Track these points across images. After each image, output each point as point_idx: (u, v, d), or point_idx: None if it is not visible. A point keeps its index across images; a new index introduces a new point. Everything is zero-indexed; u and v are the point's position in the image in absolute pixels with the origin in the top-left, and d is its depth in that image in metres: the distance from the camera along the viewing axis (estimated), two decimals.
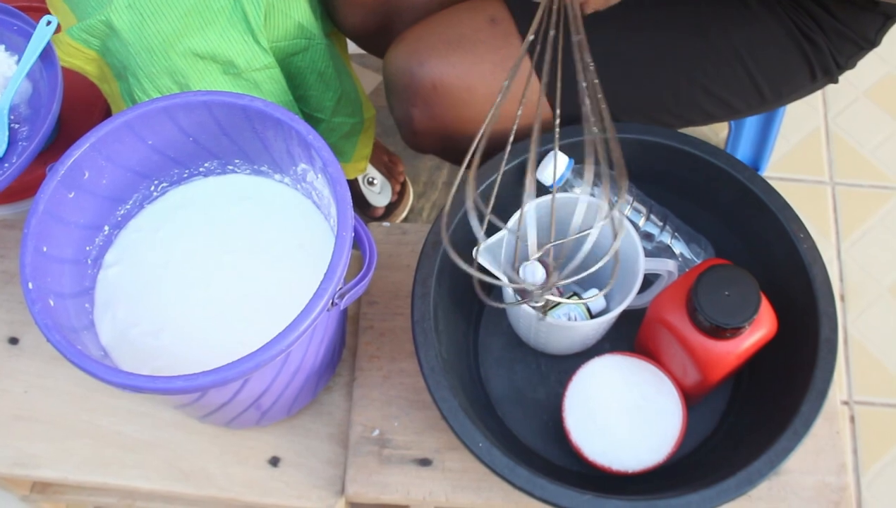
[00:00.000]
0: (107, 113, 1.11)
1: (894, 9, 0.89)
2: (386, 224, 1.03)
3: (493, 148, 0.89)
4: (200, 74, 0.92)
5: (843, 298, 1.30)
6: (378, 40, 1.02)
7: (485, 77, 0.87)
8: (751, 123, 1.35)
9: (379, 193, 1.38)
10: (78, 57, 0.93)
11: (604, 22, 0.86)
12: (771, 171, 1.40)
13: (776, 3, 0.90)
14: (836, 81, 0.96)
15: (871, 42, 0.92)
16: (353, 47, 1.50)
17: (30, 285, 0.72)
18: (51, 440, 0.91)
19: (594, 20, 0.86)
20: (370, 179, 1.37)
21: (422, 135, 0.93)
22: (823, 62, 0.92)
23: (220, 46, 0.91)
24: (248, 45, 0.92)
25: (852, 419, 1.23)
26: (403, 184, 1.42)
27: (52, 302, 0.73)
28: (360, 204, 1.38)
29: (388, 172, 1.39)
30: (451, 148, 0.95)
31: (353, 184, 1.36)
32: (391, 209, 1.41)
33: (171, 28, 0.88)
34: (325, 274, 0.70)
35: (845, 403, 1.24)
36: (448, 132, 0.91)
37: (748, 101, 0.95)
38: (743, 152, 1.38)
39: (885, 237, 1.36)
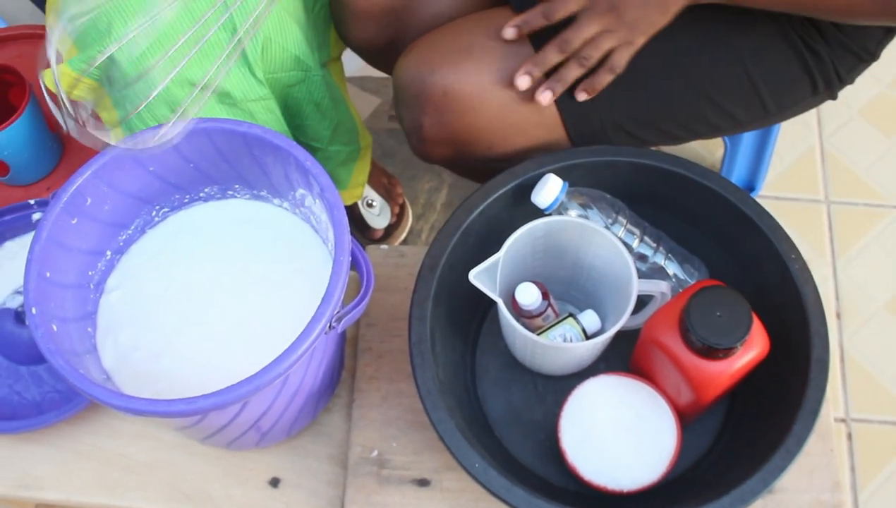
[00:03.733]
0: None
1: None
2: (384, 246, 1.04)
3: (505, 162, 0.91)
4: (195, 102, 0.94)
5: (839, 316, 1.31)
6: (386, 55, 1.03)
7: (495, 85, 0.88)
8: (746, 143, 1.36)
9: (378, 215, 1.39)
10: (79, 87, 0.94)
11: None
12: (767, 190, 1.41)
13: (780, 13, 0.92)
14: (835, 97, 0.97)
15: (872, 54, 0.93)
16: (352, 69, 1.52)
17: (33, 310, 0.73)
18: (55, 462, 0.93)
19: None
20: (369, 201, 1.38)
21: (431, 144, 0.93)
22: (825, 73, 0.93)
23: (216, 77, 0.93)
24: (244, 76, 0.94)
25: (849, 436, 1.24)
26: (402, 206, 1.43)
27: (55, 327, 0.75)
28: (360, 226, 1.40)
29: (387, 194, 1.41)
30: (459, 156, 0.96)
31: (353, 207, 1.38)
32: (390, 231, 1.42)
33: (169, 59, 0.90)
34: (323, 298, 0.71)
35: (842, 420, 1.25)
36: (457, 140, 0.92)
37: (752, 113, 0.96)
38: (739, 171, 1.40)
39: (881, 255, 1.37)
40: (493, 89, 0.89)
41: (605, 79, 0.85)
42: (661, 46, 0.87)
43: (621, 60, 0.84)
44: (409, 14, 0.98)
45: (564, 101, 0.89)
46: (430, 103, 0.90)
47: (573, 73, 0.85)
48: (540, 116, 0.91)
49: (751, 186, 1.41)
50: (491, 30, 0.90)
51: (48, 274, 0.76)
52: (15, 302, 0.97)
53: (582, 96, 0.87)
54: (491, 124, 0.90)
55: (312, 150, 1.10)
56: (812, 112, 1.39)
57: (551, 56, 0.84)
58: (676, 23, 0.85)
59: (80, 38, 0.93)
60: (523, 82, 0.85)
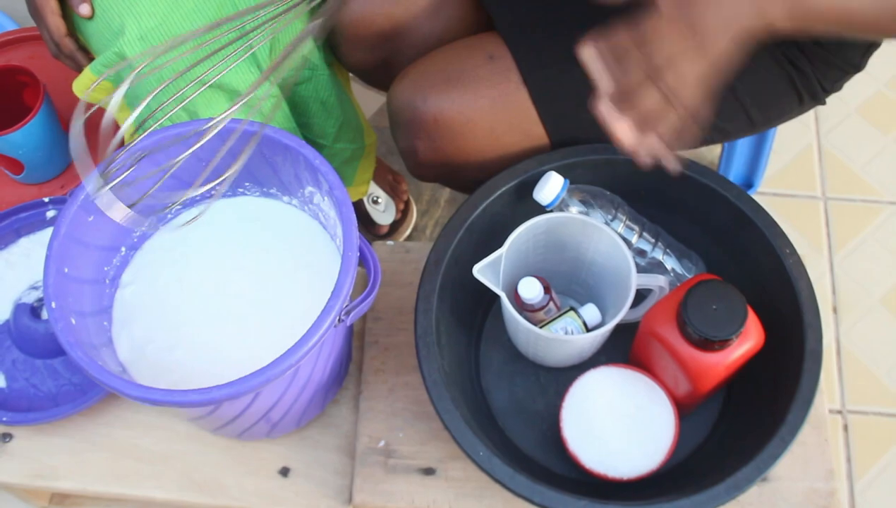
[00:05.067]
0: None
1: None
2: (390, 242, 1.06)
3: (493, 174, 0.93)
4: (208, 103, 0.96)
5: (835, 310, 1.33)
6: (380, 75, 1.05)
7: (484, 111, 0.90)
8: (744, 141, 1.38)
9: (383, 211, 1.41)
10: (98, 91, 0.97)
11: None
12: (765, 187, 1.43)
13: None
14: (823, 103, 0.99)
15: (856, 66, 0.95)
16: None
17: (53, 304, 0.76)
18: (70, 452, 0.95)
19: (596, 30, 0.88)
20: (375, 198, 1.40)
21: (425, 166, 0.96)
22: (810, 87, 0.95)
23: (227, 77, 0.95)
24: (253, 76, 0.96)
25: (846, 427, 1.26)
26: (407, 203, 1.45)
27: (73, 321, 0.77)
28: (366, 222, 1.42)
29: (393, 191, 1.43)
30: (452, 177, 0.98)
31: (359, 204, 1.40)
32: (395, 227, 1.44)
33: (180, 59, 0.92)
34: (333, 292, 0.74)
35: (839, 412, 1.27)
36: (450, 163, 0.94)
37: (738, 126, 0.97)
38: (736, 169, 1.42)
39: (877, 250, 1.39)
40: (482, 116, 0.90)
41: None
42: None
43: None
44: (401, 38, 1.00)
45: (553, 125, 0.91)
46: (423, 130, 0.92)
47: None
48: (529, 140, 0.93)
49: (749, 183, 1.43)
50: (478, 57, 0.92)
51: (66, 270, 0.79)
52: (31, 298, 0.99)
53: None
54: (482, 149, 0.92)
55: (318, 148, 1.12)
56: (810, 111, 1.41)
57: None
58: None
59: (95, 41, 0.95)
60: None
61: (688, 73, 0.68)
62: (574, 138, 0.93)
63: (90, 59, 0.97)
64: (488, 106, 0.90)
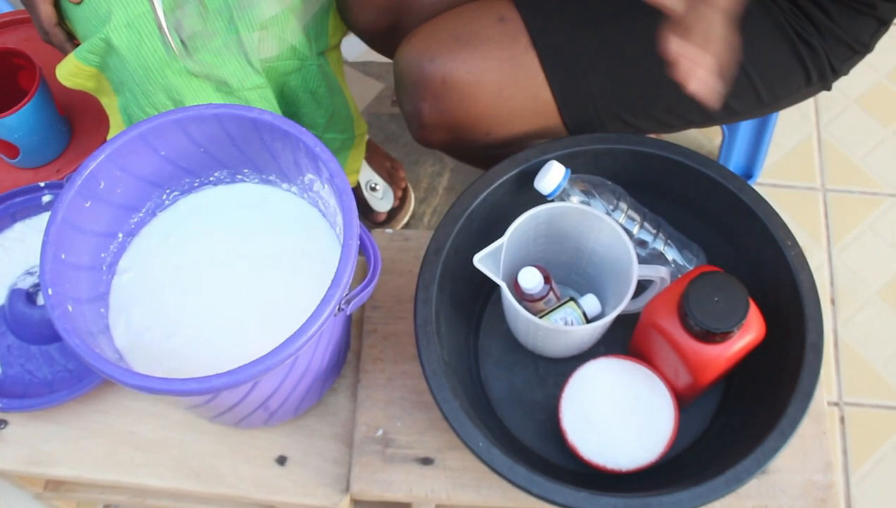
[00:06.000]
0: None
1: (890, 13, 0.91)
2: (389, 230, 1.06)
3: (503, 148, 0.92)
4: (194, 92, 0.95)
5: (833, 302, 1.33)
6: (388, 39, 1.04)
7: (493, 73, 0.89)
8: (744, 131, 1.38)
9: (381, 199, 1.41)
10: (80, 75, 0.96)
11: (609, 22, 0.88)
12: (764, 178, 1.43)
13: (774, 6, 0.93)
14: (829, 88, 0.98)
15: (866, 46, 0.94)
16: (354, 54, 1.53)
17: (49, 291, 0.75)
18: (65, 439, 0.94)
19: (598, 20, 0.87)
20: (373, 185, 1.40)
21: (430, 130, 0.95)
22: (819, 65, 0.94)
23: (214, 66, 0.94)
24: (241, 65, 0.95)
25: (842, 419, 1.26)
26: (405, 190, 1.45)
27: (70, 308, 0.76)
28: (363, 209, 1.41)
29: (391, 178, 1.42)
30: (458, 142, 0.97)
31: (357, 190, 1.39)
32: (393, 214, 1.44)
33: (167, 47, 0.91)
34: (333, 281, 0.73)
35: (835, 404, 1.27)
36: (456, 127, 0.93)
37: (746, 103, 0.97)
38: (736, 159, 1.42)
39: (875, 242, 1.39)
40: (491, 77, 0.90)
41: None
42: (656, 35, 0.88)
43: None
44: (410, 2, 0.99)
45: (560, 89, 0.91)
46: (430, 90, 0.91)
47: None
48: (536, 104, 0.92)
49: (748, 173, 1.42)
50: (488, 18, 0.91)
51: (63, 256, 0.78)
52: (26, 283, 0.98)
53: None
54: (488, 111, 0.92)
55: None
56: (809, 101, 1.41)
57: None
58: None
59: (81, 27, 0.94)
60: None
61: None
62: (580, 103, 0.92)
63: (76, 47, 0.96)
64: (497, 67, 0.89)
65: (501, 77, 0.90)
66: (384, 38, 1.07)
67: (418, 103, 0.93)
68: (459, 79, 0.90)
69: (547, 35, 0.89)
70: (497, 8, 0.91)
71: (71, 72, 0.94)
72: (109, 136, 1.03)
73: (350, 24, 1.07)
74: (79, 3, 0.91)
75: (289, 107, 1.08)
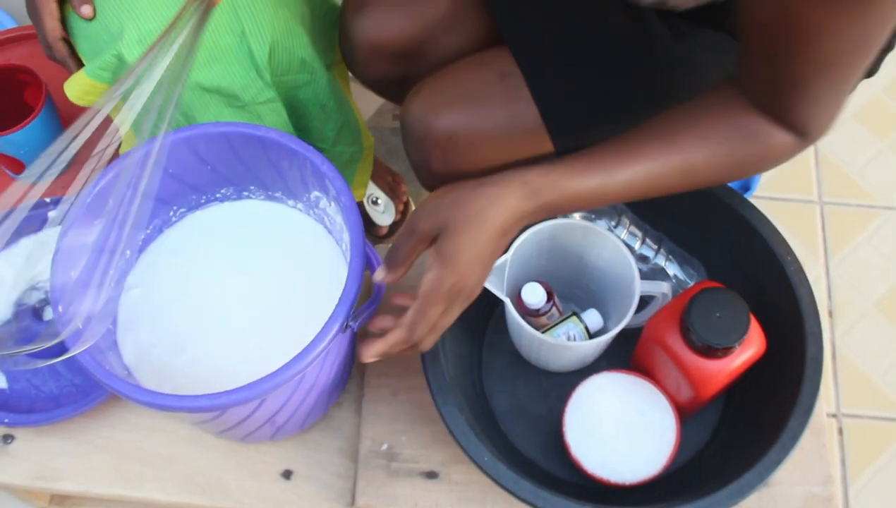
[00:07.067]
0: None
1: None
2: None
3: None
4: (206, 106, 0.96)
5: (831, 314, 1.34)
6: (396, 89, 1.05)
7: (496, 130, 0.90)
8: None
9: (383, 212, 1.42)
10: (92, 92, 0.96)
11: (612, 73, 0.89)
12: (762, 191, 1.44)
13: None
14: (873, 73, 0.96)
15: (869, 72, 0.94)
16: None
17: (60, 308, 0.76)
18: (72, 454, 0.95)
19: (601, 71, 0.88)
20: (374, 199, 1.41)
21: (439, 179, 0.96)
22: None
23: (225, 81, 0.95)
24: (252, 80, 0.96)
25: (840, 431, 1.27)
26: (406, 204, 1.45)
27: (80, 325, 0.77)
28: (365, 223, 1.42)
29: (392, 192, 1.43)
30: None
31: (358, 205, 1.40)
32: (395, 228, 1.44)
33: (178, 62, 0.92)
34: (340, 299, 0.74)
35: (833, 416, 1.28)
36: (462, 176, 0.94)
37: None
38: None
39: (872, 255, 1.40)
40: (495, 133, 0.91)
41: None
42: (652, 76, 0.89)
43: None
44: (418, 55, 1.00)
45: (562, 143, 0.91)
46: (437, 145, 0.92)
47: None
48: (540, 152, 0.93)
49: (746, 186, 1.44)
50: (490, 75, 0.92)
51: (73, 274, 0.79)
52: (32, 298, 0.99)
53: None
54: (495, 161, 0.93)
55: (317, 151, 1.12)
56: None
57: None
58: (668, 54, 0.87)
59: (91, 43, 0.94)
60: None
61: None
62: (576, 141, 0.92)
63: (79, 63, 0.97)
64: (501, 123, 0.90)
65: (505, 133, 0.91)
66: (392, 89, 1.07)
67: (426, 157, 0.94)
68: (465, 135, 0.91)
69: (547, 91, 0.90)
70: (498, 64, 0.92)
71: (84, 90, 0.94)
72: (121, 151, 1.04)
73: (358, 77, 1.08)
74: (91, 20, 0.92)
75: (299, 120, 1.08)
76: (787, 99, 0.71)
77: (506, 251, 0.86)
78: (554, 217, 0.87)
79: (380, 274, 0.76)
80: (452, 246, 0.71)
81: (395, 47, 0.99)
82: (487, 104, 0.90)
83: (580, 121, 0.89)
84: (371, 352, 0.75)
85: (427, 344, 0.76)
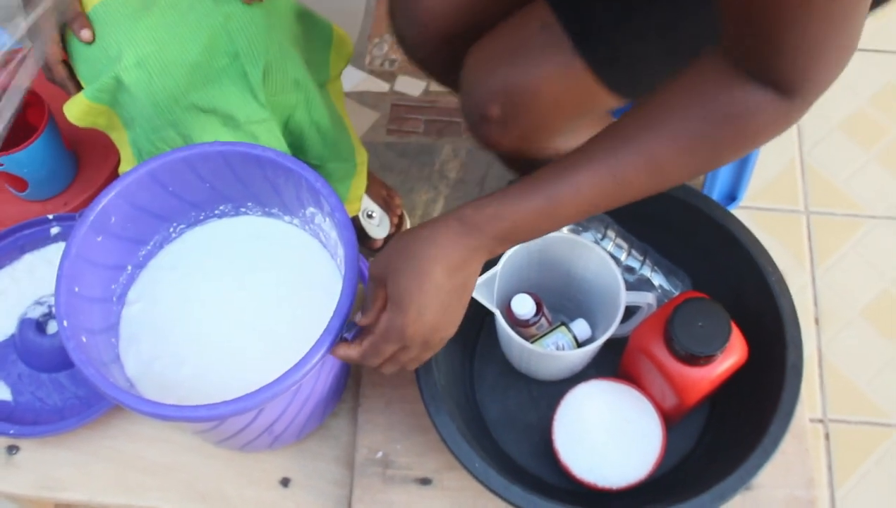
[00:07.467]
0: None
1: None
2: None
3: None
4: (202, 127, 0.98)
5: (817, 322, 1.37)
6: (448, 72, 1.04)
7: (548, 80, 0.90)
8: None
9: (378, 226, 1.44)
10: (91, 113, 0.99)
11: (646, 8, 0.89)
12: (749, 201, 1.47)
13: None
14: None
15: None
16: (350, 85, 1.57)
17: (65, 323, 0.79)
18: (76, 464, 0.98)
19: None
20: (369, 213, 1.43)
21: (501, 136, 0.95)
22: None
23: (221, 102, 0.97)
24: (246, 100, 0.98)
25: (827, 436, 1.30)
26: (401, 217, 1.48)
27: (84, 339, 0.80)
28: (360, 236, 1.44)
29: (386, 205, 1.45)
30: (527, 147, 0.98)
31: (353, 218, 1.42)
32: (389, 241, 1.47)
33: (175, 85, 0.94)
34: (335, 312, 0.76)
35: (820, 421, 1.30)
36: (524, 133, 0.95)
37: None
38: (721, 183, 1.45)
39: (858, 263, 1.43)
40: (546, 82, 0.89)
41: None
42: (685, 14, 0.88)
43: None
44: (470, 35, 1.01)
45: (605, 77, 0.91)
46: (494, 103, 0.91)
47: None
48: (594, 102, 0.92)
49: (733, 196, 1.46)
50: (532, 28, 0.91)
51: (77, 289, 0.81)
52: (36, 313, 1.01)
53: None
54: (556, 116, 0.92)
55: (312, 168, 1.14)
56: (793, 126, 1.44)
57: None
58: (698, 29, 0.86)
59: (89, 66, 0.97)
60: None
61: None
62: (637, 83, 0.91)
63: (78, 86, 0.99)
64: (549, 73, 0.89)
65: (556, 83, 0.90)
66: (445, 71, 1.08)
67: (485, 111, 0.94)
68: (519, 92, 0.90)
69: (587, 35, 0.90)
70: (538, 15, 0.93)
71: (83, 112, 0.97)
72: (121, 170, 1.06)
73: (412, 58, 1.08)
74: (90, 43, 0.95)
75: (294, 139, 1.10)
76: (763, 48, 0.63)
77: (494, 264, 0.89)
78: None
79: (357, 318, 0.78)
80: (395, 289, 0.72)
81: (448, 26, 0.99)
82: (533, 56, 0.90)
83: (625, 62, 0.88)
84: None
85: (410, 367, 0.80)
